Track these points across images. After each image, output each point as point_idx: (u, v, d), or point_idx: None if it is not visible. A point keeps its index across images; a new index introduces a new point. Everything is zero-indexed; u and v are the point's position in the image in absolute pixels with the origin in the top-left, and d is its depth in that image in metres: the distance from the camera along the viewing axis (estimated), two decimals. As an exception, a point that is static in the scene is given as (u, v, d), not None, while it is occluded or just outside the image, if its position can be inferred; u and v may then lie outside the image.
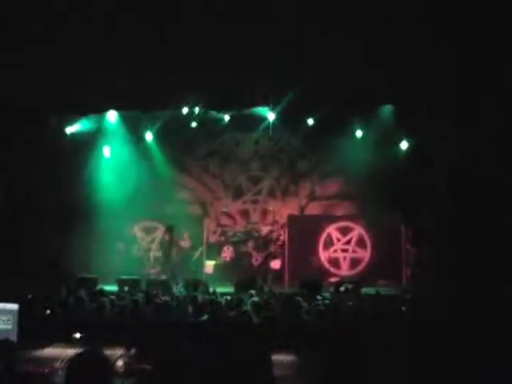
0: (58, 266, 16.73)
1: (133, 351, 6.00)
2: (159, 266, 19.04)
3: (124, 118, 19.33)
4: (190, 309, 9.56)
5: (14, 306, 6.67)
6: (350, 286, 12.61)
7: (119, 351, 5.94)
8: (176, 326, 5.03)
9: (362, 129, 19.48)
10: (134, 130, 19.68)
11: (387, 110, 18.14)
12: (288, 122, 19.37)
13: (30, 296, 9.86)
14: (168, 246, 18.16)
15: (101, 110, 18.02)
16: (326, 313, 8.40)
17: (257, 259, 19.10)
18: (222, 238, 19.12)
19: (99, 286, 14.51)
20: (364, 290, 13.42)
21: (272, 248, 19.04)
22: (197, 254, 19.93)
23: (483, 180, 15.85)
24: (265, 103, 17.37)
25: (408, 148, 19.08)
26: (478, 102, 14.70)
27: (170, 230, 18.23)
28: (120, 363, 5.71)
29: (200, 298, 10.85)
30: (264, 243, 19.23)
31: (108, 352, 4.55)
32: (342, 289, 12.57)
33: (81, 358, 4.00)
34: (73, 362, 4.00)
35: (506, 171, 15.28)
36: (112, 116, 19.15)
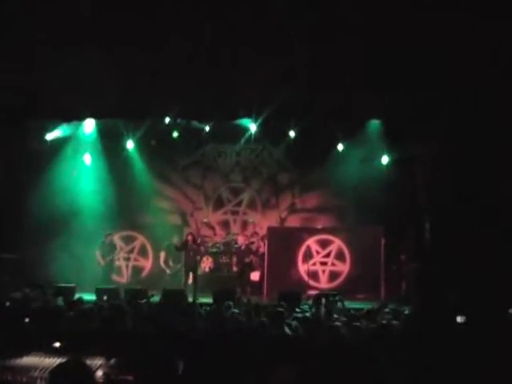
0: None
1: (113, 361, 5.94)
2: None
3: (104, 126, 19.30)
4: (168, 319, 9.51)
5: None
6: (331, 298, 12.56)
7: (99, 361, 5.87)
8: (158, 336, 4.98)
9: (344, 142, 19.56)
10: (114, 138, 19.62)
11: (371, 124, 18.28)
12: (270, 134, 19.45)
13: (7, 304, 9.77)
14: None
15: (81, 116, 17.90)
16: (308, 325, 8.36)
17: (236, 270, 19.03)
18: (202, 249, 19.01)
19: (77, 295, 14.37)
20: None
21: (251, 259, 18.98)
22: (177, 264, 19.83)
23: (463, 196, 15.99)
24: (247, 115, 17.38)
25: (389, 162, 19.19)
26: (461, 120, 14.83)
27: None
28: (100, 373, 5.64)
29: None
30: (243, 255, 19.16)
31: (87, 362, 4.47)
32: (323, 301, 12.53)
33: (62, 367, 3.95)
34: (54, 371, 3.96)
35: (486, 188, 15.43)
36: (89, 125, 19.19)
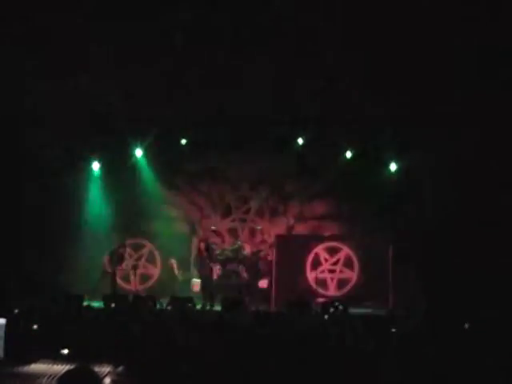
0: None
1: (120, 369, 5.96)
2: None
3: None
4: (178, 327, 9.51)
5: (2, 321, 6.62)
6: (340, 307, 12.53)
7: (107, 368, 5.89)
8: (165, 344, 5.00)
9: (351, 150, 19.60)
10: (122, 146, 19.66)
11: (379, 132, 18.26)
12: (278, 141, 19.48)
13: (16, 311, 9.80)
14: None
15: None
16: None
17: (244, 278, 19.03)
18: (214, 256, 18.95)
19: (86, 302, 14.40)
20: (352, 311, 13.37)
21: (259, 267, 18.97)
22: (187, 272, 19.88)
23: (470, 205, 16.02)
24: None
25: (397, 170, 19.22)
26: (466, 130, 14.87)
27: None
28: (107, 381, 5.67)
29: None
30: (251, 262, 19.17)
31: (95, 369, 4.49)
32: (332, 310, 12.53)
33: (71, 374, 3.97)
34: (62, 378, 3.98)
35: (489, 197, 15.47)
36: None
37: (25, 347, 6.31)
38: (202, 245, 18.04)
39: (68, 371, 4.02)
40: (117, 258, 18.70)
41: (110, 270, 18.58)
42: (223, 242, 21.09)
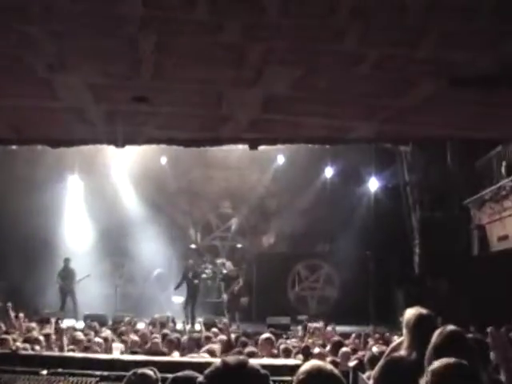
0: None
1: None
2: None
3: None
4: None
5: (-20, 341, 6.56)
6: (319, 326, 12.46)
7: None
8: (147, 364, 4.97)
9: (332, 167, 19.72)
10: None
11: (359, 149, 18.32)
12: (258, 160, 19.50)
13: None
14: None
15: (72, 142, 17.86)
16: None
17: (225, 296, 18.99)
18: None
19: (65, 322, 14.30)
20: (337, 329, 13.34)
21: (240, 285, 18.94)
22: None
23: (451, 224, 16.12)
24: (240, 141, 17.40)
25: (377, 187, 19.34)
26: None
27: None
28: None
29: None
30: (232, 281, 19.14)
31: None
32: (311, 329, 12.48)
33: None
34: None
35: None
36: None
37: (4, 367, 6.22)
38: (192, 262, 18.23)
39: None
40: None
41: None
42: (204, 260, 21.02)
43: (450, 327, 4.09)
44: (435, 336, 4.02)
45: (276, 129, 4.28)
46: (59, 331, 9.95)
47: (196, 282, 18.23)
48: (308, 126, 4.22)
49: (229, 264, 19.47)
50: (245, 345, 9.36)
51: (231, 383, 2.41)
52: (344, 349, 8.45)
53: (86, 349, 9.07)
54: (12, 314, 11.39)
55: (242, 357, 2.52)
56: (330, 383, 3.35)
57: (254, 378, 2.43)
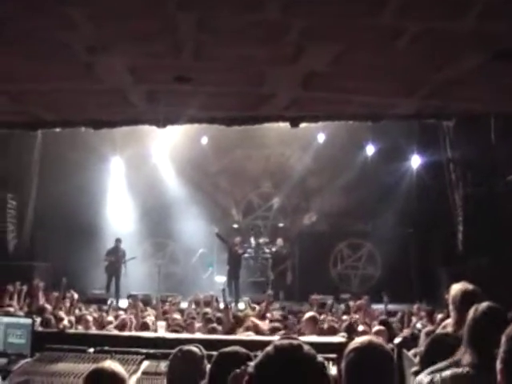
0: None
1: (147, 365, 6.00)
2: None
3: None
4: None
5: (28, 321, 6.68)
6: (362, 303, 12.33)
7: (133, 367, 5.92)
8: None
9: (373, 145, 19.57)
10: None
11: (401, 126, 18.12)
12: (299, 138, 19.39)
13: (42, 309, 9.86)
14: None
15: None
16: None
17: (268, 275, 19.08)
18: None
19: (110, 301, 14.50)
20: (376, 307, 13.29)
21: (283, 264, 18.97)
22: (209, 270, 19.97)
23: (495, 200, 15.87)
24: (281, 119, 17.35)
25: (419, 165, 19.14)
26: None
27: None
28: (133, 379, 5.69)
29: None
30: (274, 260, 19.18)
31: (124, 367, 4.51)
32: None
33: (96, 374, 3.99)
34: (89, 377, 4.01)
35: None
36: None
37: (51, 346, 6.34)
38: (238, 240, 18.34)
39: (93, 370, 4.05)
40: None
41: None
42: (245, 239, 21.01)
43: (486, 303, 4.04)
44: (470, 313, 3.99)
45: (316, 106, 4.27)
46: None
47: (239, 260, 18.37)
48: (348, 102, 4.19)
49: (280, 241, 19.34)
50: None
51: (285, 372, 2.13)
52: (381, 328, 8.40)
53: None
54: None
55: (295, 341, 2.21)
56: (381, 355, 3.36)
57: (310, 367, 2.16)
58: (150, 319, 9.78)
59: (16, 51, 3.23)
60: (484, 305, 3.98)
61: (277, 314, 11.24)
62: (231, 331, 8.53)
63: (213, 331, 8.58)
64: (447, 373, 3.79)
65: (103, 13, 2.78)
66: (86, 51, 3.14)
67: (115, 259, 18.19)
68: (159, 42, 3.10)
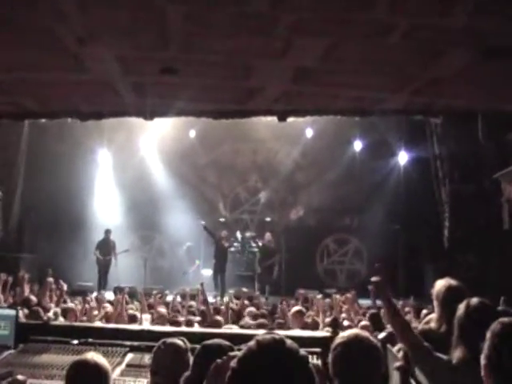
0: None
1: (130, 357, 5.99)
2: None
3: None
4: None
5: (12, 312, 6.65)
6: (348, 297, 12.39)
7: (117, 359, 5.92)
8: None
9: (360, 140, 19.62)
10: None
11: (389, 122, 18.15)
12: (287, 133, 19.41)
13: (27, 301, 9.83)
14: None
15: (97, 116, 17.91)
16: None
17: (255, 270, 19.11)
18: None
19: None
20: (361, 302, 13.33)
21: (269, 259, 18.99)
22: (194, 265, 19.97)
23: (482, 197, 15.94)
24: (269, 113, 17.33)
25: (407, 161, 19.21)
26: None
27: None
28: (117, 371, 5.69)
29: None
30: (261, 254, 19.20)
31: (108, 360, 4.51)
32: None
33: (79, 365, 3.98)
34: (71, 368, 4.00)
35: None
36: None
37: (35, 337, 6.33)
38: (224, 235, 18.35)
39: (76, 362, 4.04)
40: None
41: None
42: (232, 234, 21.05)
43: (476, 299, 4.06)
44: (461, 308, 4.01)
45: (305, 101, 4.26)
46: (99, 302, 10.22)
47: (225, 254, 18.40)
48: (337, 97, 4.18)
49: (268, 235, 19.35)
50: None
51: (267, 367, 2.13)
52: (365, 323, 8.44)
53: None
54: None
55: (277, 336, 2.22)
56: (367, 348, 3.37)
57: (293, 362, 2.17)
58: (133, 312, 9.77)
59: (1, 40, 3.20)
60: (475, 300, 4.01)
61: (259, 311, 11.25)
62: (213, 324, 8.54)
63: (189, 323, 8.66)
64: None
65: (91, 2, 2.76)
66: (74, 41, 3.11)
67: (106, 252, 18.18)
68: (147, 34, 3.08)
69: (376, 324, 8.03)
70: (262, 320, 9.03)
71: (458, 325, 3.95)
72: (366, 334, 3.55)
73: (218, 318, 8.93)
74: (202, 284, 12.39)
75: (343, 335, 3.47)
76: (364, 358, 3.32)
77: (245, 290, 16.01)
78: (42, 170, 18.02)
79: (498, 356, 2.84)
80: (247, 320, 9.26)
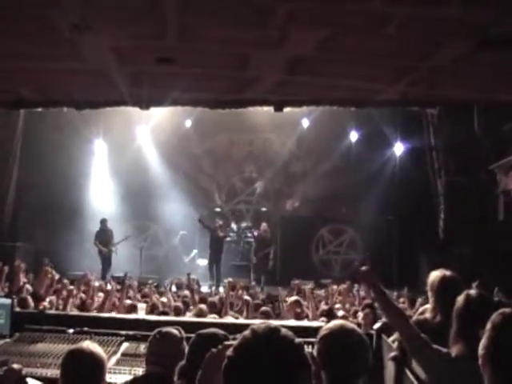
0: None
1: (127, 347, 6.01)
2: None
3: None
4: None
5: (7, 301, 6.66)
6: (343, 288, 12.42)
7: (113, 348, 5.93)
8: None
9: (356, 131, 19.63)
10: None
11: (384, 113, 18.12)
12: (283, 123, 19.38)
13: (23, 289, 9.84)
14: None
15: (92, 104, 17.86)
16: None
17: (251, 260, 19.13)
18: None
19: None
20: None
21: (264, 249, 18.97)
22: (191, 254, 19.98)
23: (477, 189, 15.97)
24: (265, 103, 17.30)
25: (402, 152, 19.22)
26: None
27: None
28: (113, 360, 5.70)
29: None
30: (256, 244, 19.20)
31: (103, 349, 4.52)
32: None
33: (74, 354, 3.99)
34: (67, 358, 4.00)
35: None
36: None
37: (31, 326, 6.34)
38: (219, 225, 18.32)
39: (71, 351, 4.04)
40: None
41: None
42: (228, 224, 21.04)
43: (475, 291, 4.07)
44: (459, 301, 4.00)
45: (301, 91, 4.26)
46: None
47: (221, 244, 18.40)
48: (334, 87, 4.19)
49: (264, 225, 19.28)
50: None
51: (263, 355, 2.14)
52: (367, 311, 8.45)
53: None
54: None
55: (272, 324, 2.23)
56: (352, 340, 3.37)
57: (288, 349, 2.18)
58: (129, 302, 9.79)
59: (-1, 29, 3.20)
60: (474, 292, 4.01)
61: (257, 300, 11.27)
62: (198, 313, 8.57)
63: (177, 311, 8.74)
64: None
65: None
66: (70, 30, 3.11)
67: (106, 242, 18.18)
68: (144, 23, 3.08)
69: (371, 314, 8.05)
70: (264, 308, 9.11)
71: (457, 317, 3.94)
72: (351, 325, 3.53)
73: (202, 306, 8.95)
74: (188, 274, 12.55)
75: (327, 327, 3.45)
76: (348, 350, 3.31)
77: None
78: (38, 158, 17.97)
79: (498, 347, 2.84)
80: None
